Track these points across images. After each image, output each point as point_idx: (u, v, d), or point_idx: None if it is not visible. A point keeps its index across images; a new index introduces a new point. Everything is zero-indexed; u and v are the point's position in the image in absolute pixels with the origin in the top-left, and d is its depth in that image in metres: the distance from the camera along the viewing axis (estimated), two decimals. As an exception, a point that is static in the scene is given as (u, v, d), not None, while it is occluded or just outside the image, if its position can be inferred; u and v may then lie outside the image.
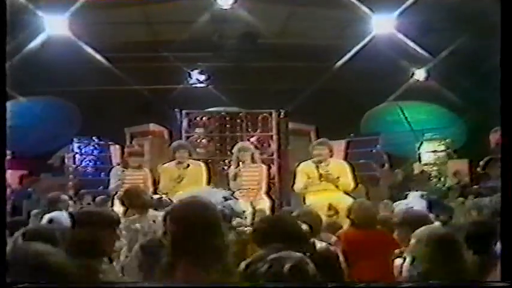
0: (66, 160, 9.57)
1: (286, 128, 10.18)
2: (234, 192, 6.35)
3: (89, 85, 10.45)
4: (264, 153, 10.03)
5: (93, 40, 9.53)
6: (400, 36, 9.39)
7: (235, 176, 6.86)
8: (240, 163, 6.94)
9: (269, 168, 7.33)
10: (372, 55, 9.85)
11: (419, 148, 11.82)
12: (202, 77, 11.98)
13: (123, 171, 6.99)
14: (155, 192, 6.41)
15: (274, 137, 9.99)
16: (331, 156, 6.85)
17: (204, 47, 11.08)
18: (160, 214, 4.40)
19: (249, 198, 6.78)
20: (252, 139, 10.05)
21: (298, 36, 11.00)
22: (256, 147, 10.17)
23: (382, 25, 9.30)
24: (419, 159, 11.72)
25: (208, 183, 6.93)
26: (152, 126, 10.40)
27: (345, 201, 6.19)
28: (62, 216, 4.21)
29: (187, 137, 9.71)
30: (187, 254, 2.44)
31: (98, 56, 9.60)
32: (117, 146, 9.98)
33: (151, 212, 4.81)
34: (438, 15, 9.44)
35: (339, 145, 10.71)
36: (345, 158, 10.42)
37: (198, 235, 2.45)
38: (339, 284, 3.15)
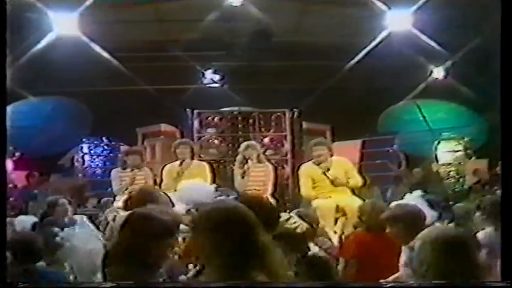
0: (75, 161, 9.47)
1: (300, 127, 10.00)
2: (238, 193, 6.35)
3: (100, 85, 10.37)
4: (277, 153, 9.93)
5: (104, 39, 9.44)
6: (417, 33, 9.16)
7: (243, 175, 6.63)
8: (249, 161, 6.71)
9: (276, 168, 7.09)
10: (388, 53, 9.68)
11: (436, 148, 11.55)
12: (216, 77, 11.82)
13: (123, 171, 6.84)
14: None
15: (288, 137, 9.79)
16: (331, 156, 6.64)
17: (216, 46, 10.99)
18: None
19: None
20: (265, 139, 9.92)
21: (312, 34, 10.80)
22: (269, 147, 10.21)
23: (399, 21, 9.10)
24: (437, 159, 11.46)
25: (213, 182, 6.69)
26: (164, 127, 10.28)
27: (353, 203, 6.01)
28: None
29: (199, 137, 9.56)
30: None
31: (109, 56, 9.52)
32: (128, 147, 9.83)
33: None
34: (456, 11, 9.18)
35: (355, 145, 10.66)
36: (361, 158, 10.59)
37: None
38: (339, 284, 3.17)
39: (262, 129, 9.84)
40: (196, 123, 9.61)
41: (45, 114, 10.12)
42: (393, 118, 12.40)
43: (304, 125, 10.12)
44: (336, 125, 10.55)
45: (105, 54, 9.48)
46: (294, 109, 9.84)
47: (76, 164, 9.29)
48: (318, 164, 6.53)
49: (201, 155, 9.44)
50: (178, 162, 6.78)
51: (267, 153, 9.81)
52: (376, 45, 9.35)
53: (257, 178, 6.78)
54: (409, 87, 10.88)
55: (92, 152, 9.71)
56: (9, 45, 8.96)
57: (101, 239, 3.22)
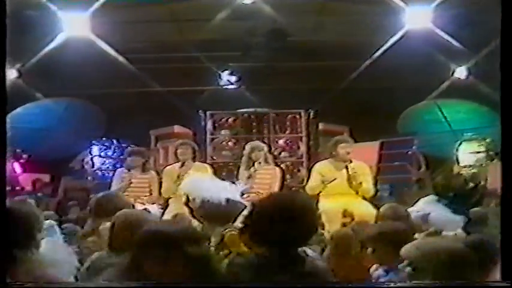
0: (84, 163, 9.36)
1: (317, 128, 9.82)
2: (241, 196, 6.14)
3: (113, 87, 10.25)
4: (292, 155, 9.78)
5: (116, 40, 9.34)
6: (437, 30, 8.89)
7: (249, 178, 6.32)
8: (256, 163, 6.42)
9: (283, 171, 6.80)
10: (407, 51, 9.41)
11: (457, 149, 11.22)
12: (233, 78, 11.64)
13: (127, 173, 6.64)
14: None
15: (304, 139, 9.62)
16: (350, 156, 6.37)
17: (231, 46, 10.79)
18: None
19: None
20: (280, 141, 9.81)
21: (328, 33, 10.56)
22: (284, 149, 10.01)
23: (418, 18, 8.83)
24: (458, 161, 11.12)
25: None
26: (177, 128, 10.13)
27: (362, 208, 5.76)
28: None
29: (212, 139, 9.44)
30: None
31: (121, 57, 9.41)
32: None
33: None
34: (478, 7, 8.87)
35: (373, 146, 10.44)
36: (379, 160, 10.36)
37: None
38: (339, 284, 3.14)
39: (277, 131, 9.68)
40: (209, 125, 9.49)
41: (58, 116, 10.02)
42: (413, 119, 12.10)
43: (321, 126, 9.94)
44: (354, 126, 10.29)
45: (118, 56, 9.36)
46: (310, 110, 9.67)
47: (86, 166, 9.16)
48: (339, 162, 6.22)
49: (214, 157, 9.44)
50: (179, 164, 6.53)
51: (282, 155, 9.78)
52: (395, 44, 9.07)
53: (263, 181, 6.46)
54: (429, 87, 10.59)
55: (102, 154, 9.60)
56: (20, 46, 8.92)
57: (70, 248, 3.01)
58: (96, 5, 8.32)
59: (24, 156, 7.77)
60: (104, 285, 2.53)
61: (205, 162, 9.33)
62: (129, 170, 6.67)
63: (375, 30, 9.77)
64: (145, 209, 4.64)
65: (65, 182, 9.21)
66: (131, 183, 6.43)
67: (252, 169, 6.42)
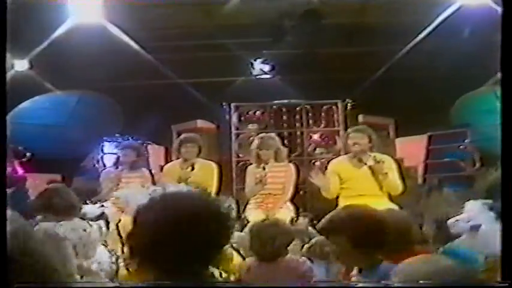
0: (95, 162, 8.78)
1: (356, 121, 9.08)
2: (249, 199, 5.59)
3: (130, 78, 9.66)
4: (329, 151, 9.13)
5: (133, 27, 8.75)
6: (495, 6, 7.82)
7: (260, 180, 5.54)
8: (264, 163, 5.63)
9: (298, 168, 5.99)
10: (460, 31, 8.46)
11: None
12: (266, 67, 10.80)
13: (114, 172, 6.04)
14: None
15: (341, 133, 8.91)
16: (371, 149, 5.44)
17: (262, 32, 9.95)
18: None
19: (267, 207, 5.52)
20: (314, 136, 9.26)
21: (368, 13, 9.59)
22: (319, 145, 9.22)
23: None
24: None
25: (219, 188, 5.77)
26: (200, 123, 9.51)
27: None
28: None
29: (237, 135, 8.77)
30: None
31: (139, 46, 8.88)
32: (156, 146, 9.07)
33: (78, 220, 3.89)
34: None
35: (420, 141, 9.71)
36: (427, 156, 9.63)
37: None
38: (339, 284, 3.22)
39: (311, 124, 9.22)
40: (234, 119, 8.87)
41: (69, 111, 9.50)
42: (467, 109, 11.02)
43: (361, 118, 9.28)
44: (399, 118, 9.62)
45: (135, 44, 8.84)
46: (348, 100, 9.21)
47: (98, 165, 8.56)
48: (353, 157, 5.42)
49: (240, 155, 8.87)
50: (180, 161, 5.83)
51: (317, 151, 9.22)
52: (445, 22, 8.28)
53: (276, 180, 5.66)
54: (486, 73, 9.47)
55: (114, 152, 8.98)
56: (30, 36, 8.30)
57: None
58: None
59: (28, 154, 7.19)
60: (104, 285, 2.69)
61: (230, 160, 8.80)
62: (116, 168, 6.10)
63: (423, 8, 8.81)
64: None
65: (77, 183, 8.61)
66: (119, 184, 5.76)
67: (262, 172, 5.58)
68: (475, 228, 3.64)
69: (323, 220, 2.99)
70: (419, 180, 9.34)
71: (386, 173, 5.29)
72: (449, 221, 3.76)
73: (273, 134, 6.17)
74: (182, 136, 6.14)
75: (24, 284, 1.80)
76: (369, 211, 2.97)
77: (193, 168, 5.72)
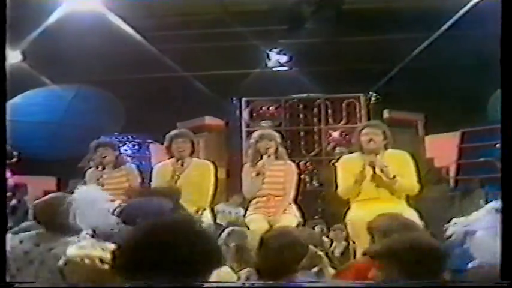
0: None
1: (381, 117, 8.82)
2: (250, 202, 5.24)
3: (131, 71, 9.27)
4: (350, 151, 8.40)
5: (134, 16, 8.38)
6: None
7: (257, 175, 5.13)
8: (264, 157, 5.20)
9: (299, 167, 5.47)
10: (495, 17, 7.70)
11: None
12: (283, 58, 10.38)
13: (95, 171, 5.56)
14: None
15: None
16: (386, 147, 4.97)
17: (276, 19, 9.49)
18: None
19: (268, 211, 5.09)
20: (334, 133, 8.86)
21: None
22: (339, 143, 8.78)
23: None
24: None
25: (216, 189, 5.33)
26: (208, 120, 9.18)
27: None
28: None
29: (249, 132, 8.31)
30: None
31: (140, 36, 8.50)
32: (159, 145, 8.60)
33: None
34: None
35: (453, 138, 9.48)
36: (459, 155, 9.34)
37: None
38: (340, 284, 3.31)
39: (330, 120, 8.92)
40: (245, 115, 8.52)
41: (64, 106, 9.21)
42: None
43: (386, 113, 9.07)
44: (430, 113, 9.38)
45: (136, 34, 8.47)
46: (371, 94, 8.90)
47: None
48: (366, 155, 4.90)
49: None
50: (172, 160, 5.36)
51: (337, 150, 8.88)
52: (477, 5, 7.85)
53: (274, 179, 5.24)
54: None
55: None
56: (23, 26, 7.81)
57: None
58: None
59: (15, 153, 6.71)
60: (104, 285, 2.61)
61: (241, 159, 8.33)
62: (97, 168, 5.62)
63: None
64: None
65: (73, 187, 8.11)
66: (103, 184, 5.32)
67: (259, 163, 5.15)
68: (470, 234, 3.32)
69: (379, 245, 2.81)
70: (451, 183, 8.89)
71: (394, 177, 4.78)
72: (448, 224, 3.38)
73: (270, 131, 5.80)
74: (172, 132, 5.63)
75: (24, 284, 1.99)
76: (427, 239, 2.80)
77: (187, 164, 5.24)
